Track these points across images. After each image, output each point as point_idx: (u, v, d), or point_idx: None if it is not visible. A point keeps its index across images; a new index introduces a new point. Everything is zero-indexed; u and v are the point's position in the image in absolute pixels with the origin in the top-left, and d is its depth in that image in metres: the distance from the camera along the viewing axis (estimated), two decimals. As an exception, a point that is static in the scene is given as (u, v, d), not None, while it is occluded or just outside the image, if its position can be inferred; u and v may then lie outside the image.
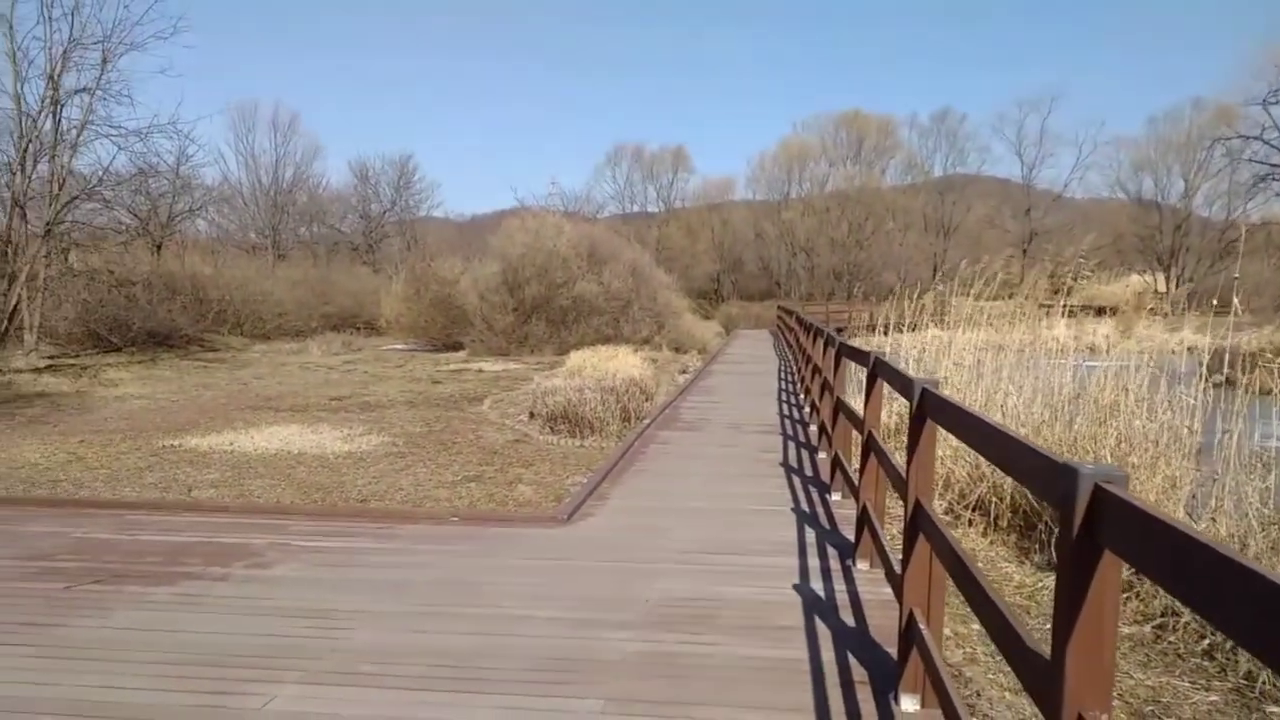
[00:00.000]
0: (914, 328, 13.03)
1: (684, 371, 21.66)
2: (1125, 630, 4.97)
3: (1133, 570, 4.38)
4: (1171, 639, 4.90)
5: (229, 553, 5.81)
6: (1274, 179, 46.94)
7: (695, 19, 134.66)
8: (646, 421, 11.96)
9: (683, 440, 10.59)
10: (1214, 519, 5.94)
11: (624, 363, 16.70)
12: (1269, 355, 8.50)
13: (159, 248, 34.78)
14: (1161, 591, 5.18)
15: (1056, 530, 5.94)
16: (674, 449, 9.96)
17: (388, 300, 33.15)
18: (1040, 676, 1.99)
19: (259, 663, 3.99)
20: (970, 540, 6.75)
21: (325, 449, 10.58)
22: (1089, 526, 1.76)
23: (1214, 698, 4.26)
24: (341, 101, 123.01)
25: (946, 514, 7.20)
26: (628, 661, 4.01)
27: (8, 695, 3.68)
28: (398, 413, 13.93)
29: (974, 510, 7.18)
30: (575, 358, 18.08)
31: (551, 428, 11.71)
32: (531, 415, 12.65)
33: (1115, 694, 3.93)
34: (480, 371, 21.64)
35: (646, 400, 14.29)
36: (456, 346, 28.19)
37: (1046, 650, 2.00)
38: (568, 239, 28.75)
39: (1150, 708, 4.13)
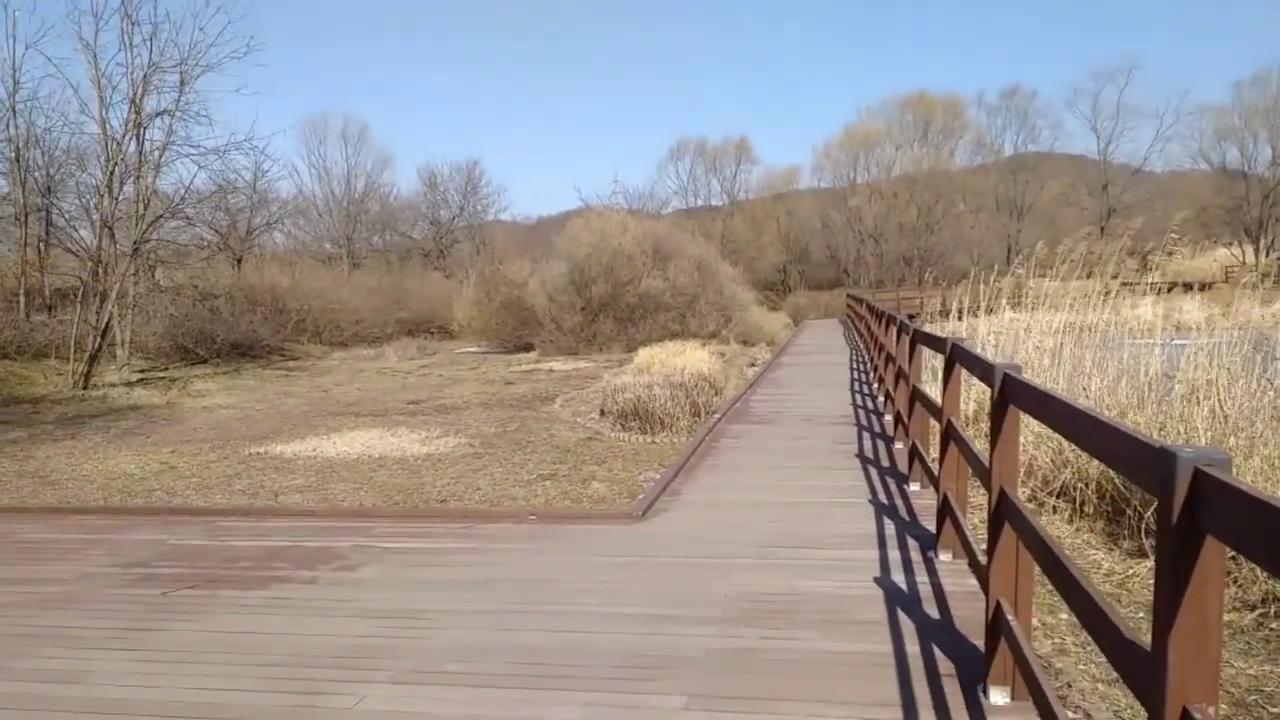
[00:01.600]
0: (990, 311, 12.72)
1: (753, 364, 21.52)
2: (1224, 617, 4.77)
3: (1230, 556, 4.21)
4: (1274, 625, 4.69)
5: (316, 556, 5.97)
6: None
7: (754, 8, 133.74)
8: (717, 416, 11.92)
9: (754, 434, 10.53)
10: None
11: (692, 358, 16.65)
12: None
13: (239, 261, 35.95)
14: (1262, 577, 4.97)
15: (1148, 516, 5.74)
16: (746, 443, 9.91)
17: (459, 304, 33.65)
18: (1140, 668, 1.93)
19: (349, 663, 4.09)
20: (1055, 528, 6.56)
21: (405, 452, 10.78)
22: (1190, 512, 1.69)
23: (1324, 687, 4.07)
24: (408, 110, 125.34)
25: (1029, 501, 7.01)
26: (709, 657, 4.01)
27: (110, 698, 3.84)
28: (473, 414, 14.13)
29: (1058, 496, 6.98)
30: (643, 354, 18.09)
31: (622, 425, 11.74)
32: (602, 413, 12.71)
33: (1218, 684, 3.78)
34: (551, 371, 21.83)
35: (716, 395, 14.24)
36: (527, 347, 28.48)
37: (1144, 640, 1.93)
38: (632, 236, 28.81)
39: (1253, 697, 3.97)
